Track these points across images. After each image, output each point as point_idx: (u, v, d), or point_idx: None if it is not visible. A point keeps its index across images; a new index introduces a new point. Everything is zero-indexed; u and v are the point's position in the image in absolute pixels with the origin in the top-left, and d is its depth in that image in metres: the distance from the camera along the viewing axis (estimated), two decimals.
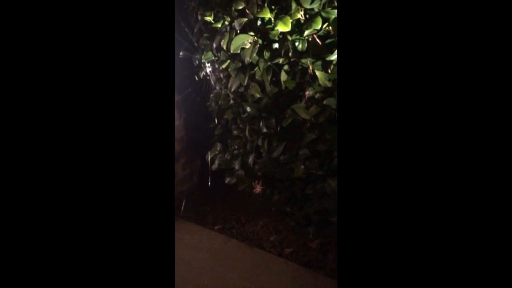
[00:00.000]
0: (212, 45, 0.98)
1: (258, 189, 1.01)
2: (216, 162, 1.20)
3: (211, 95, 1.20)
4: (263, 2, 0.78)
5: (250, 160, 1.04)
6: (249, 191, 1.19)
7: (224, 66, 0.99)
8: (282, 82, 0.86)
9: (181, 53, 1.28)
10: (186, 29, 1.28)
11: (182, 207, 1.46)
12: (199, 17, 1.10)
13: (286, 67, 0.84)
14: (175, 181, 1.54)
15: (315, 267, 1.14)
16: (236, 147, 1.17)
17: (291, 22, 0.76)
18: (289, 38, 0.80)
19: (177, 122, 1.46)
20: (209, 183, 1.49)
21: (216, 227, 1.35)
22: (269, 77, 0.88)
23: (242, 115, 1.04)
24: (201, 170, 1.65)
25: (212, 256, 1.20)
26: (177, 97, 1.43)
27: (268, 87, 0.91)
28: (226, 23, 0.94)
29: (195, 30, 1.19)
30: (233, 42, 0.86)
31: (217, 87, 1.23)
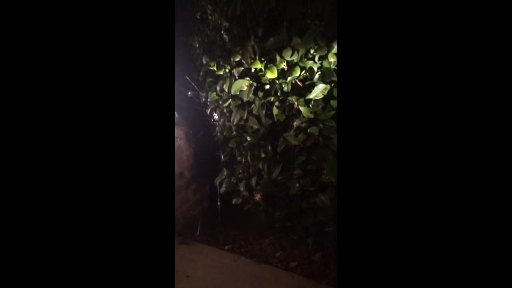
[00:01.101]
0: (216, 87, 1.19)
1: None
2: (224, 185, 1.36)
3: (217, 127, 1.38)
4: (255, 55, 1.00)
5: (253, 181, 1.20)
6: (254, 210, 1.32)
7: (226, 104, 1.19)
8: (275, 116, 1.05)
9: (189, 93, 1.50)
10: (189, 75, 1.50)
11: (198, 230, 1.58)
12: (204, 61, 1.33)
13: (277, 103, 1.03)
14: (187, 206, 1.69)
15: (318, 278, 1.23)
16: (240, 171, 1.33)
17: (277, 70, 0.97)
18: (277, 82, 1.00)
19: (188, 151, 1.64)
20: (218, 206, 1.62)
21: (226, 247, 1.46)
22: (264, 112, 1.07)
23: (244, 144, 1.21)
24: (210, 194, 1.79)
25: (223, 273, 1.30)
26: (187, 130, 1.63)
27: (264, 120, 1.09)
28: (227, 70, 1.15)
29: (201, 73, 1.42)
30: (233, 86, 1.06)
31: (221, 120, 1.42)
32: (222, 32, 1.10)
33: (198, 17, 1.18)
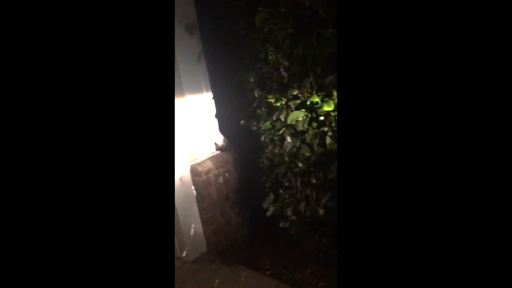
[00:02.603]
0: (272, 117, 1.31)
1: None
2: (270, 209, 1.42)
3: (268, 153, 1.47)
4: (312, 90, 1.11)
5: (302, 206, 1.25)
6: (300, 235, 1.35)
7: (280, 132, 1.30)
8: (327, 144, 1.13)
9: (242, 121, 1.64)
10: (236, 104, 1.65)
11: (240, 253, 1.62)
12: (256, 94, 1.48)
13: (330, 133, 1.12)
14: (230, 228, 1.74)
15: None
16: (287, 196, 1.39)
17: (334, 104, 1.07)
18: (332, 114, 1.10)
19: (234, 175, 1.75)
20: (261, 231, 1.66)
21: (267, 273, 1.47)
22: (316, 141, 1.16)
23: (294, 170, 1.29)
24: (251, 218, 1.85)
25: None
26: (235, 156, 1.75)
27: (316, 148, 1.17)
28: (283, 103, 1.28)
29: (254, 104, 1.56)
30: (290, 116, 1.17)
31: (269, 148, 1.52)
32: (281, 69, 1.25)
33: (262, 57, 1.35)
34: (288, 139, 1.24)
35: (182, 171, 1.56)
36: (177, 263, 1.62)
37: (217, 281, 1.46)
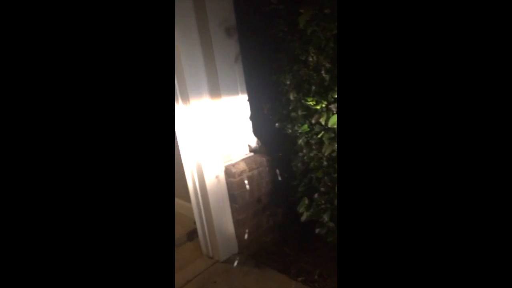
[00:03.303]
0: (311, 120, 1.29)
1: None
2: (305, 214, 1.39)
3: (304, 157, 1.45)
4: None
5: None
6: (335, 243, 1.30)
7: (319, 136, 1.27)
8: None
9: (276, 124, 1.63)
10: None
11: (271, 257, 1.60)
12: (292, 97, 1.46)
13: None
14: (261, 231, 1.73)
15: None
16: (323, 202, 1.35)
17: None
18: None
19: (267, 178, 1.74)
20: (293, 235, 1.63)
21: (299, 279, 1.44)
22: None
23: (332, 175, 1.25)
24: (282, 222, 1.82)
25: None
26: (268, 158, 1.74)
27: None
28: (324, 106, 1.25)
29: (290, 107, 1.55)
30: (331, 119, 1.14)
31: (304, 151, 1.50)
32: (322, 71, 1.22)
33: (303, 58, 1.33)
34: (327, 143, 1.21)
35: (217, 171, 1.58)
36: (208, 262, 1.64)
37: (248, 283, 1.45)
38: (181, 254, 1.77)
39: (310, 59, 1.27)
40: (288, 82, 1.53)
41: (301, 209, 1.42)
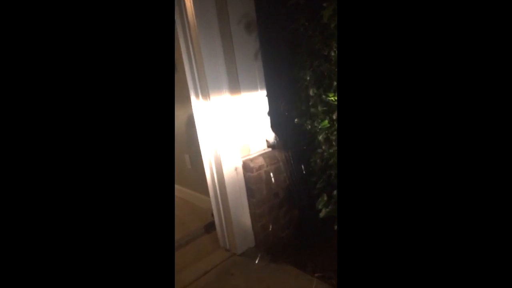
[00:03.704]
0: (332, 116, 1.27)
1: None
2: (324, 211, 1.38)
3: (325, 153, 1.44)
4: None
5: None
6: None
7: None
8: None
9: (296, 120, 1.63)
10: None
11: (287, 252, 1.61)
12: (311, 93, 1.45)
13: None
14: (278, 227, 1.75)
15: None
16: None
17: None
18: None
19: (285, 174, 1.74)
20: (309, 231, 1.62)
21: (316, 274, 1.44)
22: None
23: None
24: (298, 218, 1.82)
25: None
26: (286, 154, 1.74)
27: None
28: None
29: (310, 103, 1.54)
30: None
31: (323, 148, 1.49)
32: None
33: (326, 53, 1.32)
34: None
35: (235, 165, 1.61)
36: (225, 255, 1.67)
37: (265, 276, 1.46)
38: (198, 246, 1.82)
39: (333, 53, 1.25)
40: (308, 78, 1.52)
41: (319, 205, 1.41)
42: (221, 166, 1.56)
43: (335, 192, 1.38)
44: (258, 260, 1.57)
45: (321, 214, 1.40)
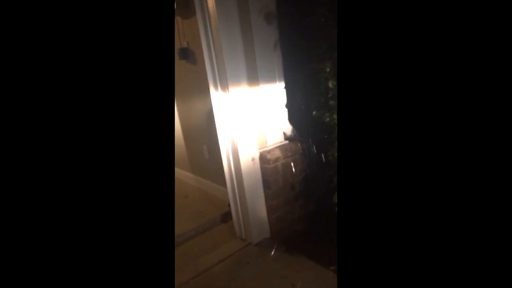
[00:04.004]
0: None
1: None
2: None
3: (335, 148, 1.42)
4: None
5: None
6: None
7: None
8: None
9: (314, 112, 1.61)
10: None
11: (303, 244, 1.61)
12: (331, 85, 1.43)
13: None
14: (293, 219, 1.75)
15: None
16: None
17: None
18: None
19: (301, 166, 1.74)
20: (324, 225, 1.62)
21: (331, 267, 1.44)
22: None
23: None
24: (314, 212, 1.82)
25: None
26: (303, 146, 1.74)
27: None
28: None
29: (329, 95, 1.51)
30: None
31: None
32: None
33: None
34: None
35: (252, 156, 1.62)
36: (241, 244, 1.70)
37: (280, 267, 1.49)
38: (215, 234, 1.87)
39: None
40: (328, 70, 1.49)
41: (336, 199, 1.40)
42: (238, 157, 1.58)
43: None
44: (274, 252, 1.60)
45: (337, 209, 1.38)
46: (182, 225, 1.96)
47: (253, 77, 1.59)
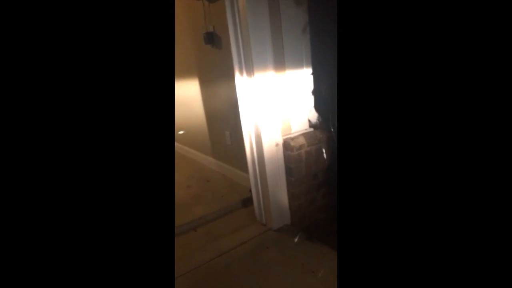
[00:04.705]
0: None
1: None
2: None
3: None
4: None
5: None
6: None
7: None
8: None
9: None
10: None
11: (325, 233, 1.61)
12: None
13: None
14: (314, 207, 1.74)
15: None
16: None
17: None
18: None
19: (326, 155, 1.70)
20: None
21: None
22: None
23: None
24: (335, 203, 1.79)
25: None
26: (329, 135, 1.69)
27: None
28: None
29: None
30: None
31: None
32: None
33: None
34: None
35: (276, 143, 1.61)
36: (262, 229, 1.73)
37: (299, 253, 1.49)
38: (236, 218, 1.90)
39: None
40: None
41: None
42: (261, 143, 1.58)
43: None
44: (298, 239, 1.60)
45: None
46: (203, 208, 2.01)
47: (280, 62, 1.56)
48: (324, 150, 1.69)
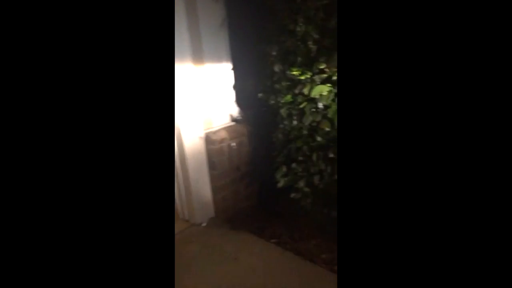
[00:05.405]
0: (294, 91, 1.32)
1: None
2: (282, 181, 1.46)
3: (286, 127, 1.48)
4: None
5: (316, 179, 1.29)
6: (309, 208, 1.40)
7: (301, 106, 1.32)
8: None
9: (260, 94, 1.65)
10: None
11: (246, 221, 1.67)
12: (277, 69, 1.48)
13: None
14: (238, 198, 1.80)
15: None
16: (300, 170, 1.42)
17: None
18: None
19: (247, 148, 1.77)
20: (268, 203, 1.70)
21: (272, 240, 1.54)
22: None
23: (311, 144, 1.32)
24: (260, 191, 1.90)
25: (270, 262, 1.37)
26: (250, 128, 1.77)
27: (337, 124, 1.20)
28: (308, 76, 1.29)
29: (275, 78, 1.56)
30: (314, 90, 1.19)
31: (285, 122, 1.54)
32: (309, 42, 1.24)
33: (291, 28, 1.33)
34: (309, 113, 1.26)
35: (197, 137, 1.59)
36: (184, 225, 1.68)
37: (223, 242, 1.52)
38: None
39: (298, 29, 1.28)
40: (274, 53, 1.53)
41: (278, 176, 1.48)
42: (181, 138, 1.53)
43: (294, 164, 1.46)
44: (218, 229, 1.61)
45: (280, 184, 1.47)
46: None
47: (198, 54, 1.53)
48: (246, 143, 1.76)
